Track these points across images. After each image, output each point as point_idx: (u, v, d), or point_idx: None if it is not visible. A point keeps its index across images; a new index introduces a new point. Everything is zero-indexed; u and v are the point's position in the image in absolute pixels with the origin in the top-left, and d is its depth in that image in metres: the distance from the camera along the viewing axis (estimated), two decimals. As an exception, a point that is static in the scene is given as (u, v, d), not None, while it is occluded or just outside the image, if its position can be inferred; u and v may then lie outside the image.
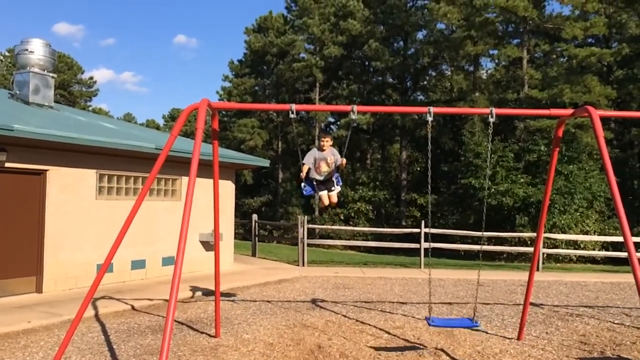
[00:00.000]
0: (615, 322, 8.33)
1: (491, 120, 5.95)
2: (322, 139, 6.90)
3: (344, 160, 6.84)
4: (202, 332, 7.21)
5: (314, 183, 6.86)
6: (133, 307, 8.74)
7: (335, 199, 6.97)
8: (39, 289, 9.72)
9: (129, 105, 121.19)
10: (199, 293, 10.12)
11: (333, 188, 6.96)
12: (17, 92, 11.93)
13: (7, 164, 9.15)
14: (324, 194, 6.95)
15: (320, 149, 6.82)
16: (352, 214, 31.83)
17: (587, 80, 24.82)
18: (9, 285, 9.31)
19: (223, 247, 12.07)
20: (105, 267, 5.52)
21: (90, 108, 50.25)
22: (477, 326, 6.05)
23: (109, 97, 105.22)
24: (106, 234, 10.50)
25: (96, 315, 8.04)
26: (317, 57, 36.11)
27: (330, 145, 6.91)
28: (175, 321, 7.59)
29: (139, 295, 9.56)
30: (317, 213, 8.50)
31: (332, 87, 39.15)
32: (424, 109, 5.84)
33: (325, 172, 6.83)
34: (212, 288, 9.65)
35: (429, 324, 5.98)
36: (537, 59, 31.18)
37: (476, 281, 12.59)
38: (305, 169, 6.80)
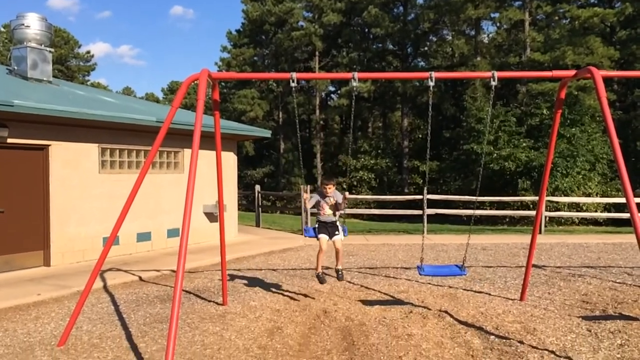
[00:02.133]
0: (617, 281, 8.43)
1: (493, 83, 5.91)
2: (326, 185, 6.82)
3: (347, 193, 6.78)
4: (209, 301, 7.33)
5: (317, 226, 6.84)
6: (140, 278, 8.86)
7: (339, 246, 6.78)
8: (46, 263, 9.85)
9: (127, 79, 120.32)
10: (205, 263, 10.24)
11: (337, 233, 6.78)
12: (15, 67, 11.84)
13: (9, 140, 9.17)
14: (324, 237, 6.72)
15: (324, 193, 6.82)
16: (355, 183, 31.92)
17: (590, 42, 24.53)
18: (18, 259, 9.44)
19: (227, 217, 12.16)
20: (111, 240, 5.58)
21: (88, 82, 49.94)
22: (464, 274, 6.23)
23: (107, 71, 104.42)
24: (110, 207, 10.57)
25: (105, 287, 8.17)
26: (316, 25, 35.66)
27: (334, 186, 6.90)
28: (183, 290, 7.70)
29: (145, 267, 9.68)
30: (319, 273, 7.32)
31: (331, 56, 38.77)
32: (426, 75, 5.80)
33: (329, 214, 6.80)
34: (218, 258, 9.75)
35: (420, 273, 6.16)
36: (539, 21, 30.73)
37: (479, 246, 12.72)
38: (308, 201, 6.82)
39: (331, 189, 6.76)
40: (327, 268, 9.72)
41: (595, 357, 4.97)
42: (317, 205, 6.83)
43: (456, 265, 6.46)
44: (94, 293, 7.57)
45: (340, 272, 6.93)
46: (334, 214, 6.81)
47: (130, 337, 5.70)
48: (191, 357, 5.04)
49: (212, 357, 5.03)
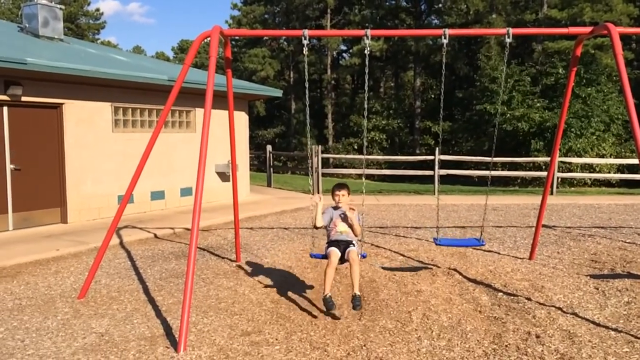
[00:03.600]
0: (627, 241, 8.47)
1: (508, 41, 5.82)
2: (336, 192, 5.42)
3: (354, 213, 5.39)
4: (223, 257, 7.49)
5: (326, 246, 5.39)
6: (155, 235, 9.05)
7: (354, 257, 5.12)
8: (64, 220, 10.07)
9: (137, 38, 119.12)
10: (217, 221, 10.40)
11: (352, 245, 5.30)
12: (27, 25, 11.81)
13: (24, 98, 9.24)
14: (334, 250, 5.18)
15: (336, 205, 5.45)
16: (366, 143, 31.84)
17: (609, -2, 23.83)
18: (36, 216, 9.65)
19: (239, 177, 12.25)
20: (127, 198, 5.69)
21: (98, 41, 49.60)
22: (483, 244, 6.20)
23: (116, 30, 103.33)
24: (124, 166, 10.69)
25: (121, 243, 8.36)
26: (327, -18, 34.87)
27: (349, 201, 5.52)
28: (198, 247, 7.86)
29: (160, 225, 9.86)
30: (327, 295, 4.83)
31: (343, 13, 38.03)
32: (439, 32, 5.72)
33: (344, 233, 5.32)
34: (230, 217, 9.90)
35: (436, 244, 6.18)
36: (557, -23, 29.79)
37: (490, 206, 12.74)
38: (318, 209, 5.33)
39: (345, 197, 5.44)
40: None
41: (601, 313, 5.05)
42: (328, 223, 5.45)
43: (475, 239, 6.47)
44: (110, 249, 7.75)
45: (357, 298, 4.93)
46: (347, 233, 5.34)
47: (147, 290, 5.88)
48: (206, 310, 5.21)
49: (226, 310, 5.19)
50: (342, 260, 5.23)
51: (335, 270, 5.14)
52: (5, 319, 4.98)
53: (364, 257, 5.60)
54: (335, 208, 5.47)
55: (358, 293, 5.00)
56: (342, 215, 5.38)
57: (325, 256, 5.28)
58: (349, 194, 5.53)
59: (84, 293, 5.63)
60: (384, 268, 6.78)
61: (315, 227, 5.37)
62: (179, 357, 4.07)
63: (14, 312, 5.18)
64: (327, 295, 4.95)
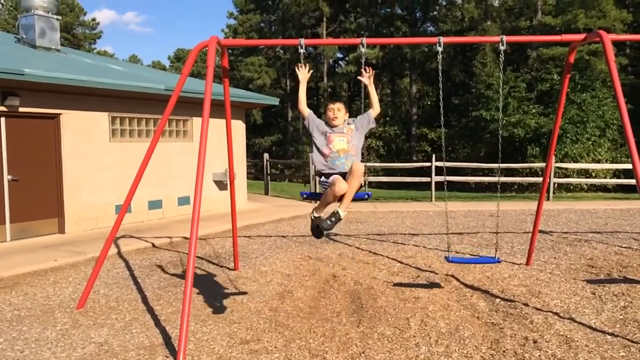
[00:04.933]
0: (623, 246, 8.51)
1: (502, 48, 5.88)
2: (330, 106, 4.73)
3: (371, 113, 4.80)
4: (221, 266, 7.51)
5: (322, 179, 4.66)
6: (153, 245, 9.05)
7: (358, 167, 4.33)
8: (61, 230, 10.06)
9: (133, 47, 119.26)
10: (215, 230, 10.42)
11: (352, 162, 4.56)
12: (24, 36, 11.86)
13: (21, 109, 9.27)
14: (337, 177, 4.40)
15: (330, 123, 4.71)
16: (363, 151, 31.87)
17: (603, 4, 24.04)
18: (33, 226, 9.65)
19: (236, 186, 12.28)
20: (125, 208, 5.71)
21: (95, 51, 49.70)
22: (499, 262, 6.12)
23: (113, 39, 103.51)
24: (122, 175, 10.71)
25: (119, 253, 8.37)
26: (323, -10, 35.08)
27: (345, 113, 4.79)
28: (196, 256, 7.88)
29: (157, 234, 9.87)
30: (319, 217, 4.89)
31: (339, 21, 38.26)
32: (434, 40, 5.77)
33: (343, 152, 4.60)
34: (228, 225, 9.94)
35: (448, 261, 5.91)
36: (551, -16, 30.04)
37: (486, 212, 12.81)
38: (301, 96, 4.85)
39: (341, 111, 4.70)
40: (336, 234, 9.88)
41: (598, 318, 5.09)
42: (317, 143, 4.68)
43: (490, 257, 6.46)
44: (109, 259, 7.76)
45: (337, 215, 4.42)
46: (349, 152, 4.60)
47: (145, 300, 5.89)
48: (205, 318, 5.22)
49: (225, 319, 5.20)
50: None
51: (335, 196, 4.34)
52: (5, 329, 4.99)
53: (369, 196, 4.75)
54: (330, 127, 4.68)
55: (342, 212, 4.40)
56: (339, 134, 4.63)
57: (319, 195, 4.63)
58: (346, 110, 4.74)
59: (83, 303, 5.63)
60: (396, 285, 6.58)
61: (301, 113, 4.76)
62: (178, 366, 4.09)
63: (13, 322, 5.19)
64: (320, 216, 4.56)
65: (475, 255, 7.90)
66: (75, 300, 5.84)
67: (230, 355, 4.29)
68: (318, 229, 4.65)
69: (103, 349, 4.47)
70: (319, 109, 39.33)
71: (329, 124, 4.72)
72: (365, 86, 4.74)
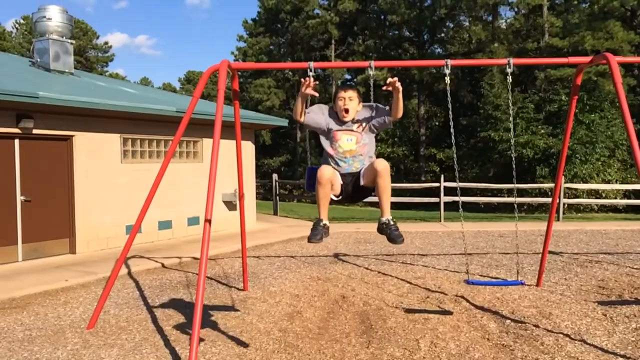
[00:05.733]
0: (635, 267, 8.44)
1: (509, 70, 5.94)
2: (341, 94, 4.03)
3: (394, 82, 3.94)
4: (230, 286, 7.53)
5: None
6: (163, 265, 9.10)
7: (380, 166, 3.77)
8: (72, 250, 10.14)
9: (144, 70, 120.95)
10: (224, 250, 10.45)
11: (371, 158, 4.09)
12: (38, 59, 12.10)
13: (35, 131, 9.43)
14: (327, 167, 3.89)
15: (340, 114, 4.02)
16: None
17: (610, 26, 24.14)
18: (45, 247, 9.73)
19: (246, 206, 12.34)
20: (136, 228, 5.76)
21: (107, 73, 50.46)
22: (523, 284, 6.14)
23: (124, 62, 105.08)
24: (132, 196, 10.81)
25: (129, 273, 8.41)
26: (331, 13, 35.57)
27: (359, 103, 4.13)
28: (206, 276, 7.91)
29: (167, 254, 9.92)
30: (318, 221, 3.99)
31: (347, 44, 38.69)
32: (442, 62, 5.84)
33: (351, 154, 3.99)
34: (237, 246, 9.97)
35: (468, 283, 6.01)
36: (557, 6, 30.28)
37: (496, 233, 12.76)
38: (297, 108, 4.05)
39: (353, 101, 4.01)
40: (345, 255, 9.88)
41: (609, 340, 5.04)
42: (322, 141, 4.11)
43: (513, 281, 6.48)
44: (119, 279, 7.80)
45: (391, 226, 3.80)
46: (358, 153, 4.01)
47: (155, 320, 5.91)
48: (214, 339, 5.23)
49: (234, 340, 5.21)
50: (347, 196, 3.91)
51: (327, 189, 3.75)
52: (16, 349, 5.02)
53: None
54: (338, 121, 3.94)
55: (389, 218, 3.75)
56: (350, 127, 3.95)
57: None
58: (359, 100, 3.99)
59: (93, 323, 5.67)
60: (407, 310, 6.56)
61: (298, 122, 4.01)
62: (188, 387, 4.10)
63: (24, 342, 5.22)
64: (320, 221, 3.82)
65: (484, 276, 7.86)
66: (85, 320, 5.87)
67: (239, 376, 4.29)
68: (316, 233, 3.81)
69: (113, 369, 4.50)
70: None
71: (337, 116, 3.99)
72: (395, 91, 4.01)
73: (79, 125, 10.14)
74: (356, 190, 3.90)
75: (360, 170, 3.94)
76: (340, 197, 4.07)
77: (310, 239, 3.80)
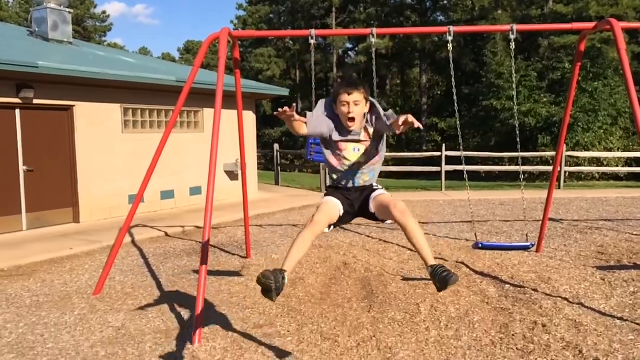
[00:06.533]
0: (634, 233, 8.51)
1: (512, 37, 5.90)
2: (343, 96, 3.20)
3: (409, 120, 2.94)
4: (233, 254, 7.62)
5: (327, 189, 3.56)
6: (166, 234, 9.19)
7: (394, 204, 3.18)
8: (76, 220, 10.24)
9: (143, 39, 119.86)
10: (227, 220, 10.53)
11: (376, 188, 3.54)
12: (36, 29, 11.99)
13: (35, 101, 9.41)
14: (332, 199, 3.34)
15: (344, 122, 3.28)
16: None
17: (615, -8, 23.76)
18: (49, 216, 9.82)
19: (247, 176, 12.39)
20: (139, 198, 5.81)
21: (105, 43, 49.97)
22: (533, 246, 6.25)
23: (122, 32, 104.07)
24: (135, 166, 10.84)
25: (133, 242, 8.51)
26: (332, -20, 35.00)
27: (366, 104, 3.35)
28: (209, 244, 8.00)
29: (170, 223, 10.01)
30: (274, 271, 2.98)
31: (348, 12, 38.18)
32: (444, 29, 5.80)
33: (358, 169, 3.36)
34: (239, 215, 10.03)
35: (477, 248, 6.09)
36: (562, -29, 29.72)
37: (497, 201, 12.82)
38: (295, 125, 3.15)
39: (358, 105, 3.22)
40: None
41: (607, 303, 5.13)
42: (325, 145, 3.42)
43: (522, 243, 6.50)
44: (123, 247, 7.88)
45: (438, 270, 2.99)
46: (368, 165, 3.39)
47: (160, 286, 6.01)
48: (219, 304, 5.33)
49: (238, 304, 5.31)
50: (355, 214, 3.34)
51: (315, 237, 3.08)
52: (24, 314, 5.13)
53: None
54: (342, 128, 3.23)
55: (434, 262, 3.03)
56: (357, 140, 3.27)
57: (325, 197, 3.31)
58: (367, 100, 3.22)
59: (100, 289, 5.76)
60: (391, 260, 6.84)
61: (302, 135, 3.26)
62: (194, 349, 4.20)
63: (32, 308, 5.33)
64: (280, 269, 2.97)
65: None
66: (91, 286, 5.97)
67: (244, 339, 4.39)
68: (270, 285, 2.89)
69: (120, 332, 4.60)
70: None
71: (340, 123, 3.24)
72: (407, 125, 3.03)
73: (79, 95, 10.11)
74: (364, 211, 3.31)
75: (370, 185, 3.35)
76: (337, 222, 3.38)
77: (264, 293, 2.91)
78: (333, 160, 3.33)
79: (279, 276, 2.89)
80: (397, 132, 3.05)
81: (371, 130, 3.36)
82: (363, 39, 33.43)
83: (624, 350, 4.01)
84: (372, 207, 3.23)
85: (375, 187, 3.43)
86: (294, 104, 3.13)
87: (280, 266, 3.07)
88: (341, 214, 3.26)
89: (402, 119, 2.95)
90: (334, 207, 3.21)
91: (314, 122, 3.24)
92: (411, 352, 4.09)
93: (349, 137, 3.28)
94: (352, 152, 3.29)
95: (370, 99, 3.40)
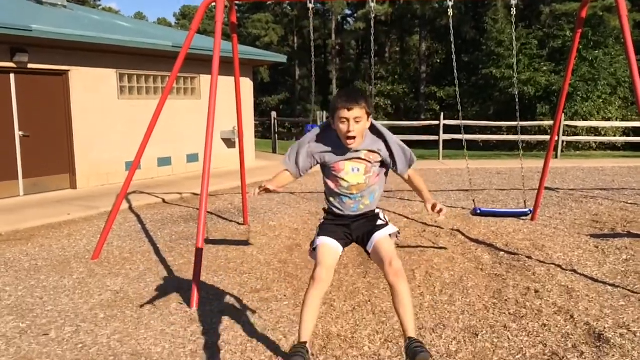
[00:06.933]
0: (629, 202, 8.57)
1: (513, 3, 5.83)
2: (343, 113, 2.73)
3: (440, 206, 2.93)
4: (231, 221, 7.66)
5: (322, 222, 3.09)
6: (164, 200, 9.21)
7: (393, 262, 2.72)
8: (73, 186, 10.24)
9: (138, 4, 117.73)
10: (224, 187, 10.55)
11: (381, 222, 3.04)
12: (29, -9, 11.76)
13: (30, 65, 9.30)
14: (327, 243, 2.90)
15: (343, 140, 2.81)
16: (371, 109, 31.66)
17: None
18: (46, 182, 9.82)
19: (245, 143, 12.36)
20: (136, 164, 5.80)
21: (100, 7, 49.09)
22: (531, 212, 6.27)
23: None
24: (131, 132, 10.79)
25: (130, 208, 8.54)
26: (331, -56, 34.20)
27: (368, 120, 2.83)
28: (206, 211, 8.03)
29: (167, 190, 10.02)
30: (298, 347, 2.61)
31: (348, -24, 37.44)
32: (444, -6, 5.70)
33: (358, 189, 2.91)
34: (236, 182, 10.05)
35: (475, 214, 6.08)
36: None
37: (493, 170, 12.85)
38: (277, 180, 2.97)
39: (360, 122, 2.75)
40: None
41: (600, 270, 5.20)
42: (321, 168, 2.99)
43: (520, 210, 6.47)
44: (120, 213, 7.88)
45: (414, 344, 2.58)
46: (368, 187, 2.94)
47: (158, 252, 6.06)
48: (216, 269, 5.38)
49: (235, 270, 5.36)
50: (352, 242, 2.98)
51: (324, 293, 2.75)
52: (23, 278, 5.18)
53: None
54: (337, 145, 2.81)
55: (413, 335, 2.65)
56: (358, 158, 2.83)
57: (315, 243, 2.90)
58: (369, 115, 2.76)
59: (98, 254, 5.81)
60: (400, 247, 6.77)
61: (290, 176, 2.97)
62: (192, 312, 4.26)
63: (30, 272, 5.38)
64: (298, 344, 2.64)
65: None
66: (90, 251, 6.02)
67: (241, 303, 4.45)
68: None
69: (119, 296, 4.66)
70: (326, 67, 38.95)
71: (338, 140, 2.80)
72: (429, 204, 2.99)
73: (74, 60, 9.98)
74: (361, 244, 2.95)
75: (371, 211, 2.94)
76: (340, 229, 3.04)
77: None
78: (329, 182, 2.92)
79: (301, 350, 2.56)
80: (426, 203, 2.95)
81: (374, 152, 2.88)
82: (362, 5, 32.91)
83: (615, 315, 4.08)
84: (370, 248, 2.84)
85: (379, 220, 2.95)
86: (262, 187, 2.84)
87: (297, 337, 2.75)
88: (341, 253, 2.90)
89: (436, 207, 2.91)
90: (333, 253, 2.81)
91: (301, 165, 2.90)
92: (405, 316, 4.16)
93: (348, 156, 2.84)
94: (351, 172, 2.86)
95: (384, 131, 2.92)
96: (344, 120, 2.72)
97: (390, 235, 2.88)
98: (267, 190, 2.84)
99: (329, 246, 2.81)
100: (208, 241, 6.38)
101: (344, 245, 2.91)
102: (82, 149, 10.26)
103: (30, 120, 9.51)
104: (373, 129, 2.91)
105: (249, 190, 3.01)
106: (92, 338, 3.83)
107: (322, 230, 2.93)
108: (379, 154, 2.89)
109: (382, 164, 2.99)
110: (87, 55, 10.11)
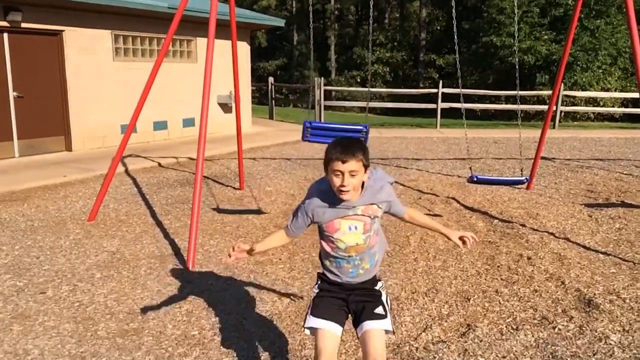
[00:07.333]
0: (624, 172, 8.61)
1: (515, -33, 5.72)
2: (337, 166, 2.29)
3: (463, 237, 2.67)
4: (227, 185, 7.67)
5: (316, 292, 2.58)
6: (160, 164, 9.20)
7: (377, 351, 2.34)
8: (68, 148, 10.19)
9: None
10: (220, 152, 10.53)
11: (377, 312, 2.49)
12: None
13: (23, 24, 9.13)
14: (325, 328, 2.44)
15: (337, 194, 2.37)
16: (370, 76, 31.44)
17: None
18: (41, 143, 9.77)
19: (241, 109, 12.26)
20: (131, 127, 5.77)
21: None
22: (528, 180, 6.29)
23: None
24: (126, 95, 10.68)
25: (126, 171, 8.52)
26: None
27: (365, 172, 2.38)
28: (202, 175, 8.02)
29: (163, 154, 9.99)
30: None
31: (348, -61, 36.61)
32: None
33: (356, 251, 2.46)
34: (232, 148, 10.00)
35: (472, 181, 5.80)
36: None
37: (491, 139, 12.84)
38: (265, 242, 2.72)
39: (354, 182, 2.32)
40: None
41: (592, 238, 5.25)
42: (319, 232, 2.52)
43: (517, 178, 6.26)
44: (116, 176, 7.91)
45: None
46: (368, 248, 2.48)
47: (154, 214, 6.08)
48: (212, 233, 5.41)
49: (231, 234, 5.40)
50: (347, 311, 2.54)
51: None
52: (20, 238, 5.20)
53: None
54: (331, 201, 2.44)
55: None
56: (355, 215, 2.44)
57: (309, 325, 2.49)
58: (366, 166, 2.38)
59: (94, 216, 5.82)
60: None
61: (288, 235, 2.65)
62: (188, 274, 4.30)
63: (27, 232, 5.40)
64: None
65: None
66: (86, 213, 6.03)
67: (237, 265, 4.49)
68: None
69: (115, 257, 4.69)
70: (325, 32, 38.39)
71: (333, 195, 2.43)
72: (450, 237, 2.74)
73: (69, 19, 9.80)
74: (353, 320, 2.55)
75: (371, 280, 2.55)
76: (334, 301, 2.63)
77: None
78: (324, 244, 2.53)
79: None
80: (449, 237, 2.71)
81: (373, 203, 2.46)
82: (362, -31, 32.27)
83: (605, 282, 4.14)
84: (359, 333, 2.47)
85: (380, 306, 2.50)
86: (237, 248, 2.55)
87: None
88: (339, 335, 2.48)
89: (466, 238, 2.63)
90: (334, 339, 2.44)
91: (296, 231, 2.58)
92: (399, 280, 4.21)
93: (343, 214, 2.45)
94: (348, 231, 2.46)
95: (387, 178, 2.56)
96: (338, 173, 2.35)
97: (385, 331, 2.47)
98: (248, 252, 2.55)
99: (328, 331, 2.44)
100: (219, 210, 6.31)
101: (343, 322, 2.52)
102: (77, 111, 10.17)
103: (24, 81, 9.39)
104: (373, 179, 2.51)
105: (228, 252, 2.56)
106: (89, 297, 3.87)
107: (317, 308, 2.51)
108: (380, 206, 2.49)
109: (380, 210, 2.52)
110: (81, 15, 9.92)
